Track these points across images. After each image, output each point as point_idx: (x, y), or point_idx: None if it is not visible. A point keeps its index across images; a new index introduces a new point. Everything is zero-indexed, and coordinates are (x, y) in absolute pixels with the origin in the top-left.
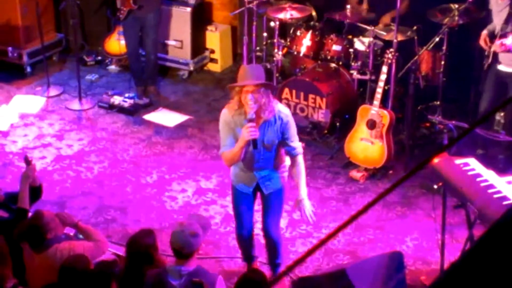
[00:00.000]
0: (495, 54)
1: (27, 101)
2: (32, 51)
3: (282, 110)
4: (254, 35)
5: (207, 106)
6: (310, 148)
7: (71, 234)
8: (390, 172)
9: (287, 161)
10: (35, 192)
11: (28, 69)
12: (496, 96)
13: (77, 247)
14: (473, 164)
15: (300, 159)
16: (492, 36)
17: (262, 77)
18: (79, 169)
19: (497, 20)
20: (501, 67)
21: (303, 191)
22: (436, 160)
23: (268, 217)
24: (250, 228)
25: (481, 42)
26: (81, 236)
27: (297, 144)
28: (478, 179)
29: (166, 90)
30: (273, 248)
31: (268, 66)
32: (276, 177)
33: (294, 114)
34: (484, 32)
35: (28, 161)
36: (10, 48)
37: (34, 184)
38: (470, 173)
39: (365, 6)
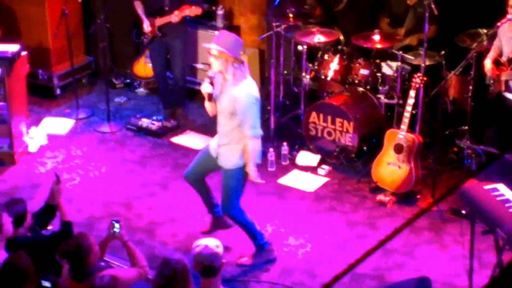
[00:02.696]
0: (506, 83)
1: (56, 123)
2: (62, 73)
3: (243, 89)
4: (282, 58)
5: None
6: (337, 172)
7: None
8: (418, 196)
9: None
10: (51, 210)
11: (58, 92)
12: (508, 125)
13: (121, 277)
14: (502, 190)
15: (251, 143)
16: (499, 65)
17: (226, 46)
18: (107, 190)
19: (507, 48)
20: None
21: (250, 166)
22: (464, 185)
23: (221, 192)
24: (189, 177)
25: (488, 71)
26: None
27: (249, 127)
28: (507, 205)
29: (194, 113)
30: (240, 227)
31: (296, 89)
32: (228, 154)
33: (321, 138)
34: (489, 61)
35: (58, 179)
36: (40, 71)
37: (53, 202)
38: (499, 198)
39: (400, 31)
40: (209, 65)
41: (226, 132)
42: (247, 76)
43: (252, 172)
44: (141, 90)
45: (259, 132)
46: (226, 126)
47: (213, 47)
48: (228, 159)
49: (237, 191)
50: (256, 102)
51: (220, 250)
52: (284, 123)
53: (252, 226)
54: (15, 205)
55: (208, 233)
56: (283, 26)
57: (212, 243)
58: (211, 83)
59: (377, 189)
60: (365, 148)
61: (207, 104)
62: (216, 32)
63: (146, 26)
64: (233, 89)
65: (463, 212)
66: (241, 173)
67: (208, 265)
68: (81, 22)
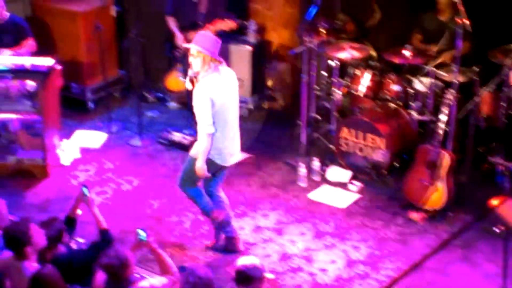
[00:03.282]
0: None
1: (89, 137)
2: (95, 87)
3: (199, 85)
4: (313, 74)
5: (266, 145)
6: (368, 188)
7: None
8: (450, 214)
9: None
10: (71, 223)
11: (91, 105)
12: None
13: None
14: None
15: (201, 138)
16: None
17: (204, 45)
18: (138, 204)
19: None
20: None
21: (197, 161)
22: (497, 203)
23: None
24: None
25: None
26: None
27: (199, 123)
28: None
29: None
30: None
31: (327, 105)
32: (196, 143)
33: (353, 153)
34: None
35: (83, 192)
36: (73, 84)
37: (73, 215)
38: None
39: (433, 48)
40: (239, 79)
41: (197, 124)
42: (215, 74)
43: (198, 167)
44: (173, 104)
45: (209, 129)
46: (196, 120)
47: (192, 47)
48: (194, 147)
49: (187, 174)
50: (207, 100)
51: (259, 261)
52: (316, 139)
53: (203, 204)
54: (54, 222)
55: (213, 248)
56: (315, 41)
57: (255, 260)
58: (191, 81)
59: (409, 206)
60: (396, 164)
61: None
62: (249, 48)
63: (179, 40)
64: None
65: (496, 230)
66: (194, 164)
67: (250, 277)
68: (114, 36)
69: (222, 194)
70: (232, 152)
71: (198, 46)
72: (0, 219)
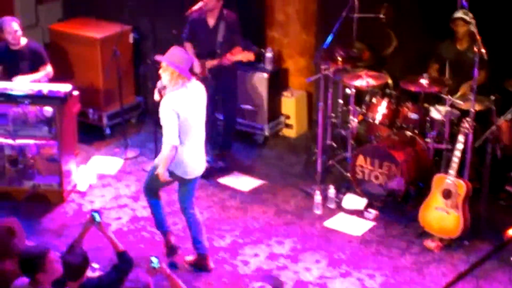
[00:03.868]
0: None
1: (105, 162)
2: (112, 113)
3: (165, 98)
4: (329, 101)
5: (281, 172)
6: (384, 216)
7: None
8: (466, 243)
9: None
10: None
11: (107, 131)
12: None
13: None
14: None
15: (164, 148)
16: None
17: (174, 61)
18: (153, 231)
19: None
20: None
21: (159, 168)
22: None
23: None
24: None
25: None
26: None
27: (164, 133)
28: None
29: (241, 154)
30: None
31: (343, 132)
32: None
33: (368, 181)
34: None
35: (92, 218)
36: (90, 110)
37: (79, 244)
38: None
39: (448, 79)
40: (256, 106)
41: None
42: (182, 89)
43: (160, 174)
44: None
45: (172, 141)
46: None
47: (162, 60)
48: (158, 156)
49: (150, 181)
50: (172, 112)
51: None
52: (331, 166)
53: (157, 216)
54: (78, 250)
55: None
56: (331, 69)
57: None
58: (159, 92)
59: (425, 234)
60: (412, 192)
61: None
62: (265, 75)
63: (196, 67)
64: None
65: None
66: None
67: None
68: (132, 62)
69: (196, 212)
70: (194, 166)
71: (167, 61)
72: (17, 239)
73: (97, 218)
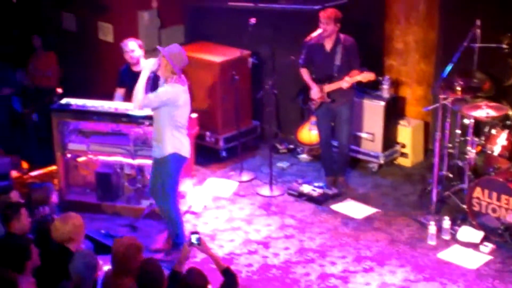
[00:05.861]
0: None
1: (220, 185)
2: (228, 136)
3: (170, 85)
4: (447, 131)
5: (396, 201)
6: (501, 251)
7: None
8: None
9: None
10: (175, 277)
11: (223, 154)
12: None
13: None
14: None
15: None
16: None
17: (168, 52)
18: (265, 254)
19: None
20: None
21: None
22: None
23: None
24: None
25: None
26: None
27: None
28: None
29: (355, 181)
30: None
31: (460, 163)
32: (153, 146)
33: (485, 214)
34: None
35: (190, 241)
36: (208, 133)
37: (179, 269)
38: None
39: None
40: (371, 134)
41: (155, 125)
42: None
43: None
44: (304, 156)
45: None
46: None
47: (162, 51)
48: (157, 150)
49: (164, 178)
50: (172, 96)
51: None
52: (447, 197)
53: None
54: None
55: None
56: (450, 99)
57: None
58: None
59: None
60: None
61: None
62: (382, 103)
63: (315, 93)
64: (162, 85)
65: None
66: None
67: None
68: (250, 87)
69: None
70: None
71: (166, 54)
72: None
73: (194, 240)
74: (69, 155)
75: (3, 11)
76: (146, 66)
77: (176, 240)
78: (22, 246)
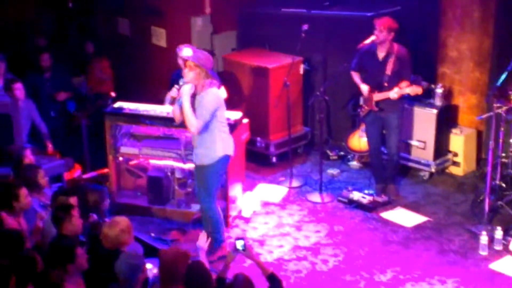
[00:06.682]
0: None
1: (270, 190)
2: (279, 142)
3: (208, 91)
4: (500, 140)
5: (447, 209)
6: None
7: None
8: None
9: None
10: (222, 284)
11: (274, 160)
12: None
13: None
14: None
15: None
16: None
17: (196, 58)
18: (314, 261)
19: None
20: None
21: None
22: None
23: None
24: None
25: None
26: None
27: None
28: None
29: (406, 189)
30: None
31: None
32: (199, 153)
33: None
34: None
35: (235, 248)
36: (258, 138)
37: (223, 275)
38: None
39: None
40: (423, 142)
41: (200, 134)
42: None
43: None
44: (354, 163)
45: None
46: (201, 130)
47: (190, 59)
48: (199, 158)
49: (205, 185)
50: (217, 100)
51: None
52: (499, 207)
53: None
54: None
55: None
56: (504, 108)
57: None
58: (178, 90)
59: None
60: None
61: (172, 108)
62: (434, 111)
63: (365, 91)
64: (200, 95)
65: None
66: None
67: None
68: (301, 93)
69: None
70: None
71: (195, 60)
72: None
73: (239, 246)
74: (120, 158)
75: (60, 18)
76: (185, 93)
77: (217, 237)
78: (67, 249)
